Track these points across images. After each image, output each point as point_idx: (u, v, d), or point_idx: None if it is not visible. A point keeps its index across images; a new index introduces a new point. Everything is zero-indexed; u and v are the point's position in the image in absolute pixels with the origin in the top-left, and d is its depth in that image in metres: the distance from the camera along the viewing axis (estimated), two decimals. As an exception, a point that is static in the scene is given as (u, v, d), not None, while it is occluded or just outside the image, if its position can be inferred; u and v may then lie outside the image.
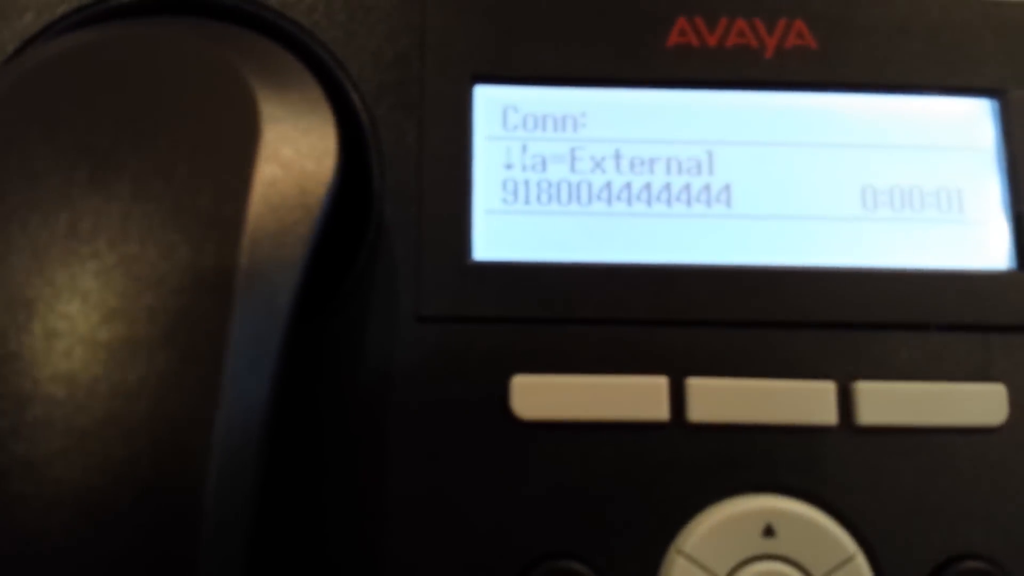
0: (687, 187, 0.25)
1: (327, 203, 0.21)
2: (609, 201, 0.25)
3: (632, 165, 0.25)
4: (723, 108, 0.25)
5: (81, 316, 0.17)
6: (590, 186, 0.25)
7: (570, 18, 0.25)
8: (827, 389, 0.23)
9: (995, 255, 0.25)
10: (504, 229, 0.24)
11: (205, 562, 0.17)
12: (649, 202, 0.25)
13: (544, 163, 0.25)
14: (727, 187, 0.25)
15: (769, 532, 0.22)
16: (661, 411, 0.23)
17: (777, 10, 0.25)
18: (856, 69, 0.26)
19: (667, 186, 0.25)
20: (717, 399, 0.23)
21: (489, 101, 0.25)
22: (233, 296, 0.18)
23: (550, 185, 0.25)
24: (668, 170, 0.25)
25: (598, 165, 0.25)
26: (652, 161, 0.25)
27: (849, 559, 0.23)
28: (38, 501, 0.17)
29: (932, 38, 0.26)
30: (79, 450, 0.17)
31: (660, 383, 0.23)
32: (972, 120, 0.26)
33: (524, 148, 0.25)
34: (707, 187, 0.25)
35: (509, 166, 0.25)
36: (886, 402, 0.23)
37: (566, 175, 0.25)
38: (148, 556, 0.17)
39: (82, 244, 0.18)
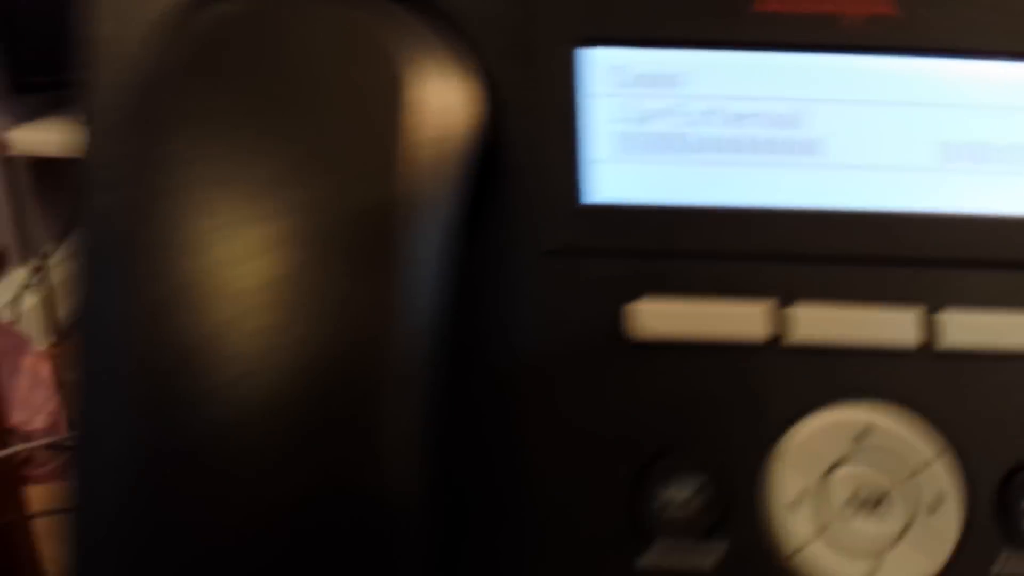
0: (781, 139, 0.27)
1: (469, 147, 0.24)
2: (711, 151, 0.27)
3: (730, 119, 0.27)
4: (810, 69, 0.28)
5: (267, 263, 0.20)
6: (692, 137, 0.27)
7: None
8: (915, 314, 0.26)
9: None
10: (617, 175, 0.27)
11: (392, 470, 0.20)
12: (748, 151, 0.27)
13: (648, 117, 0.27)
14: (818, 139, 0.27)
15: (859, 439, 0.25)
16: (765, 332, 0.26)
17: None
18: (934, 35, 0.27)
19: (763, 138, 0.27)
20: (816, 322, 0.26)
21: (596, 61, 0.28)
22: (400, 213, 0.21)
23: (655, 136, 0.27)
24: (763, 124, 0.27)
25: (699, 119, 0.28)
26: (748, 116, 0.27)
27: (928, 464, 0.25)
28: (240, 418, 0.19)
29: (1002, 5, 0.28)
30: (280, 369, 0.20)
31: (764, 307, 0.26)
32: None
33: (629, 104, 0.28)
34: (799, 139, 0.27)
35: (617, 120, 0.27)
36: (968, 327, 0.26)
37: (670, 128, 0.27)
38: (341, 474, 0.20)
39: (261, 193, 0.21)
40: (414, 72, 0.23)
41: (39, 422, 1.58)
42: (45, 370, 1.75)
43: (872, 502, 0.25)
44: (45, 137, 2.14)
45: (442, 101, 0.24)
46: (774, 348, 0.26)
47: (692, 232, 0.26)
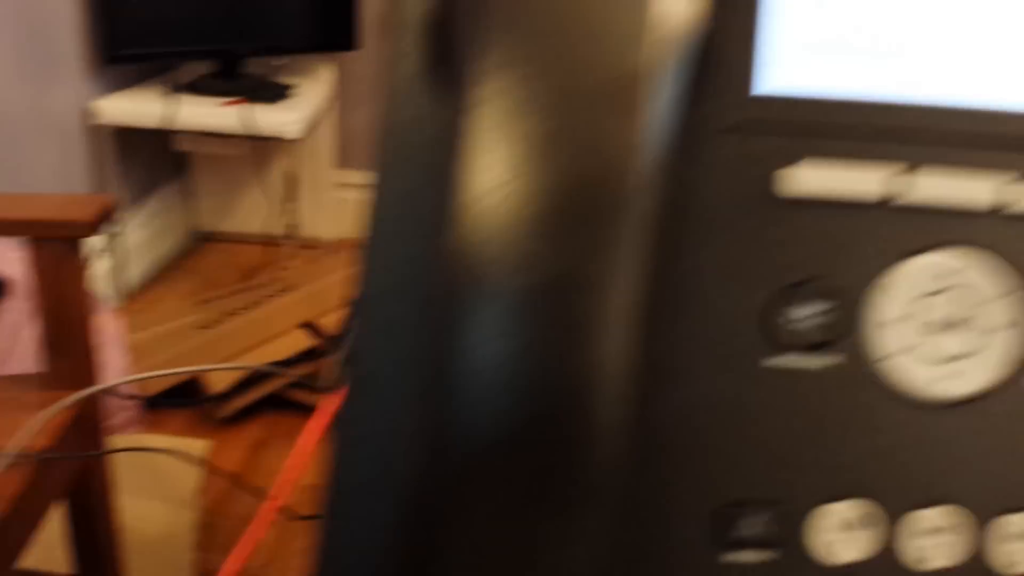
0: (911, 48, 0.33)
1: (690, 36, 0.31)
2: (869, 56, 0.33)
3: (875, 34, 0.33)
4: None
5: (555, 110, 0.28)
6: (847, 44, 0.33)
7: None
8: (1002, 181, 0.32)
9: None
10: (786, 65, 0.33)
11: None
12: (884, 56, 0.33)
13: (819, 21, 0.33)
14: (942, 52, 0.33)
15: (951, 275, 0.32)
16: (886, 191, 0.32)
17: None
18: None
19: (897, 45, 0.33)
20: (926, 186, 0.32)
21: None
22: (645, 84, 0.29)
23: (821, 39, 0.33)
24: (899, 38, 0.33)
25: (851, 31, 0.33)
26: (890, 31, 0.33)
27: (1004, 296, 0.32)
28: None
29: None
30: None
31: (887, 172, 0.32)
32: None
33: (797, 19, 0.33)
34: (929, 50, 0.33)
35: (788, 29, 0.33)
36: None
37: (826, 37, 0.33)
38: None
39: (556, 61, 0.28)
40: None
41: (110, 378, 1.65)
42: (116, 330, 1.83)
43: (955, 323, 0.32)
44: (129, 107, 2.24)
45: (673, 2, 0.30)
46: (891, 204, 0.32)
47: (835, 118, 0.33)
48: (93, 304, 1.80)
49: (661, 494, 0.32)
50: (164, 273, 2.54)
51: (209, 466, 1.60)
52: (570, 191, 0.27)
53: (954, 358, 0.32)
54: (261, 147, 2.45)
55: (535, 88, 0.28)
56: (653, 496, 0.32)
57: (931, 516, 0.32)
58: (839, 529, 0.32)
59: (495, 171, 0.28)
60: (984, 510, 0.32)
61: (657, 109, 0.29)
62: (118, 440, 1.58)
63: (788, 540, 0.32)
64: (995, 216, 0.32)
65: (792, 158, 0.32)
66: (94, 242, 2.23)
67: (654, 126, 0.29)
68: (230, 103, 2.18)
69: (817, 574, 0.32)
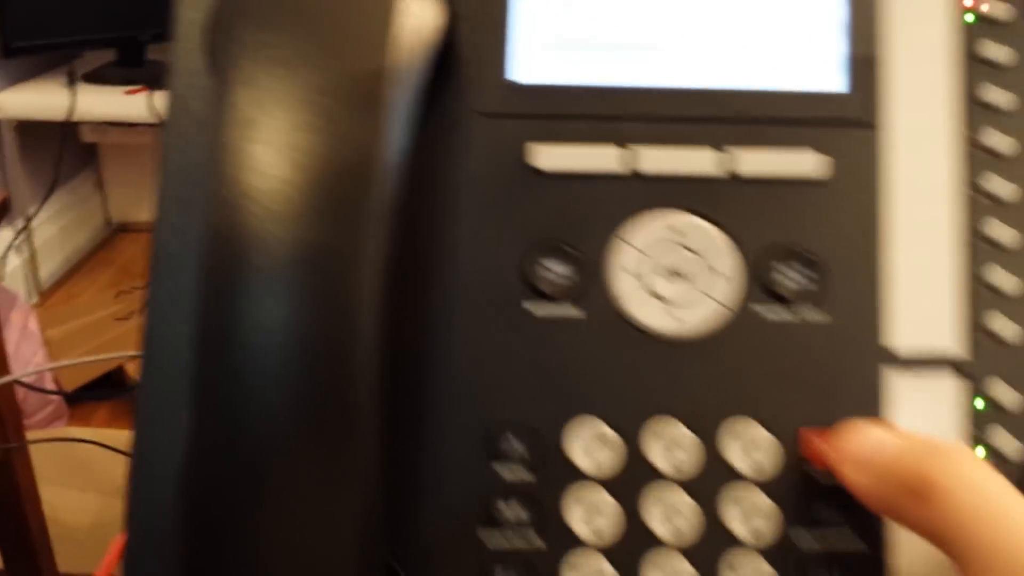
0: (637, 40, 0.39)
1: (435, 33, 0.36)
2: (596, 49, 0.39)
3: (605, 29, 0.39)
4: None
5: (303, 106, 0.32)
6: (587, 40, 0.39)
7: None
8: (719, 154, 0.38)
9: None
10: (532, 60, 0.39)
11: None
12: (614, 49, 0.39)
13: (554, 25, 0.39)
14: (664, 43, 0.39)
15: (676, 231, 0.38)
16: (623, 166, 0.38)
17: None
18: None
19: (625, 40, 0.39)
20: (656, 159, 0.38)
21: None
22: (390, 74, 0.33)
23: (560, 44, 0.39)
24: (625, 31, 0.39)
25: (591, 27, 0.39)
26: (615, 26, 0.39)
27: (720, 245, 0.38)
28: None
29: None
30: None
31: (622, 150, 0.38)
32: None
33: (543, 14, 0.39)
34: (651, 42, 0.39)
35: (535, 25, 0.39)
36: (753, 161, 0.38)
37: (570, 33, 0.39)
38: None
39: (304, 62, 0.33)
40: None
41: (28, 371, 1.64)
42: (32, 325, 1.82)
43: (679, 272, 0.37)
44: (31, 100, 2.20)
45: (418, 5, 0.35)
46: (626, 172, 0.38)
47: (578, 101, 0.38)
48: (4, 301, 1.78)
49: (439, 418, 0.37)
50: (80, 266, 2.52)
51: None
52: (322, 176, 0.32)
53: (681, 302, 0.37)
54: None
55: (289, 83, 0.32)
56: (432, 420, 0.37)
57: (662, 430, 0.37)
58: (586, 444, 0.37)
59: (256, 158, 0.32)
60: (707, 425, 0.37)
61: (402, 102, 0.34)
62: (41, 434, 1.57)
63: (545, 455, 0.37)
64: (712, 181, 0.38)
65: (540, 137, 0.38)
66: (3, 238, 2.20)
67: (399, 117, 0.34)
68: (134, 91, 2.16)
69: (570, 484, 0.37)
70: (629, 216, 0.37)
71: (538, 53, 0.39)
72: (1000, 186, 0.38)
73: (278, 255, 0.31)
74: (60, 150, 2.35)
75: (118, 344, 1.96)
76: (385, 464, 0.33)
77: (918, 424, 0.37)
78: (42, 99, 2.17)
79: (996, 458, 0.37)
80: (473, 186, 0.38)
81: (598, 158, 0.38)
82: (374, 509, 0.32)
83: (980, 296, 0.38)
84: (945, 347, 0.37)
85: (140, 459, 0.37)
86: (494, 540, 0.36)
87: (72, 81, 2.18)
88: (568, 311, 0.37)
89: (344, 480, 0.32)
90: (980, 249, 0.38)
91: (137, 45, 2.28)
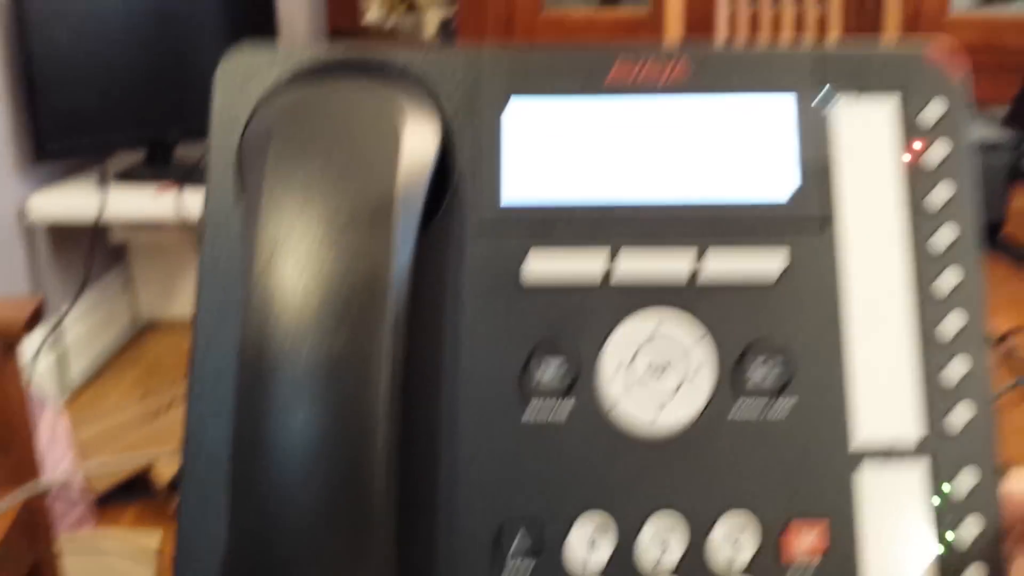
0: (616, 166, 0.43)
1: (433, 165, 0.40)
2: (577, 174, 0.43)
3: (585, 157, 0.43)
4: (638, 110, 0.43)
5: (323, 227, 0.36)
6: (568, 167, 0.43)
7: (558, 65, 0.43)
8: (687, 258, 0.41)
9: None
10: (522, 182, 0.42)
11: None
12: (595, 175, 0.43)
13: (540, 152, 0.43)
14: (632, 168, 0.43)
15: (654, 331, 0.41)
16: (600, 271, 0.41)
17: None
18: (706, 83, 0.43)
19: (607, 166, 0.43)
20: (630, 266, 0.41)
21: (515, 109, 0.43)
22: (397, 201, 0.37)
23: (547, 165, 0.43)
24: (605, 157, 0.43)
25: (569, 156, 0.43)
26: (594, 154, 0.43)
27: (694, 345, 0.41)
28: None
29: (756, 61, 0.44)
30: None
31: (601, 256, 0.41)
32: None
33: (529, 144, 0.43)
34: (624, 166, 0.43)
35: (523, 153, 0.43)
36: (722, 264, 0.41)
37: (553, 160, 0.43)
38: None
39: (325, 189, 0.37)
40: (406, 121, 0.40)
41: (57, 475, 1.64)
42: (61, 427, 1.82)
43: (661, 368, 0.40)
44: (62, 202, 2.24)
45: (421, 137, 0.40)
46: (606, 283, 0.41)
47: (563, 220, 0.42)
48: (35, 403, 1.79)
49: (449, 521, 0.40)
50: (108, 365, 2.53)
51: (164, 557, 1.59)
52: (341, 291, 0.35)
53: (663, 399, 0.40)
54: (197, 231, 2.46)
55: (309, 208, 0.36)
56: (442, 522, 0.40)
57: (657, 520, 0.39)
58: (585, 538, 0.39)
59: (282, 277, 0.35)
60: (698, 517, 0.39)
61: (408, 220, 0.38)
62: (70, 538, 1.56)
63: (548, 549, 0.39)
64: (685, 285, 0.41)
65: (530, 251, 0.41)
66: (33, 341, 2.21)
67: (406, 234, 0.37)
68: (163, 190, 2.19)
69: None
70: (614, 322, 0.41)
71: (527, 176, 0.42)
72: (945, 281, 0.41)
73: (305, 367, 0.34)
74: (91, 250, 2.38)
75: (145, 444, 1.96)
76: (399, 561, 0.36)
77: (887, 513, 0.40)
78: (73, 201, 2.20)
79: (960, 543, 0.39)
80: (471, 299, 0.41)
81: (584, 269, 0.41)
82: None
83: (935, 386, 0.41)
84: (907, 436, 0.40)
85: (183, 561, 0.39)
86: None
87: (103, 182, 2.21)
88: (563, 414, 0.40)
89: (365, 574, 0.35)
90: (932, 343, 0.41)
91: (166, 145, 2.32)
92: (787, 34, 1.77)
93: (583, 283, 0.41)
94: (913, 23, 2.21)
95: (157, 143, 2.32)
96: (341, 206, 0.36)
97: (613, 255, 0.41)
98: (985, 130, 1.01)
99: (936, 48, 0.44)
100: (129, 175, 2.28)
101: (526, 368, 0.40)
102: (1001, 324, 0.77)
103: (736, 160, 0.43)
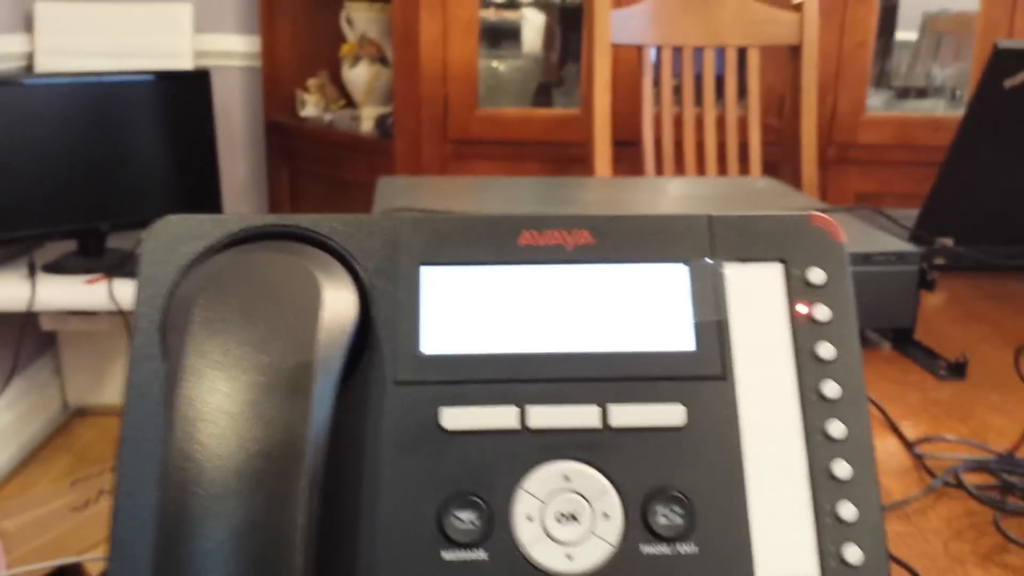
0: (524, 325, 0.46)
1: (352, 329, 0.42)
2: (491, 328, 0.46)
3: (493, 311, 0.46)
4: (546, 276, 0.47)
5: (243, 393, 0.37)
6: (480, 321, 0.46)
7: (467, 233, 0.47)
8: (595, 409, 0.44)
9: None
10: (439, 337, 0.45)
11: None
12: (507, 329, 0.46)
13: (453, 309, 0.46)
14: (541, 324, 0.46)
15: (566, 480, 0.43)
16: (515, 422, 0.44)
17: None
18: (608, 253, 0.47)
19: (516, 326, 0.46)
20: (542, 416, 0.44)
21: (430, 274, 0.46)
22: (315, 368, 0.38)
23: (459, 319, 0.45)
24: (514, 318, 0.46)
25: (480, 312, 0.46)
26: (502, 312, 0.47)
27: (603, 493, 0.43)
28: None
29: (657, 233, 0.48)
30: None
31: (515, 410, 0.44)
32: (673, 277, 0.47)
33: (443, 302, 0.46)
34: (532, 325, 0.46)
35: (437, 309, 0.45)
36: (626, 414, 0.44)
37: (466, 316, 0.46)
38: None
39: (245, 354, 0.38)
40: (326, 287, 0.41)
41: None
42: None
43: (571, 516, 0.42)
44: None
45: (341, 302, 0.42)
46: (521, 431, 0.44)
47: (478, 368, 0.45)
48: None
49: None
50: (36, 453, 2.49)
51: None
52: (258, 458, 0.36)
53: (573, 542, 0.42)
54: (129, 319, 2.45)
55: (228, 378, 0.37)
56: None
57: None
58: None
59: (199, 443, 0.36)
60: None
61: (326, 385, 0.39)
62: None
63: None
64: (594, 433, 0.44)
65: (448, 401, 0.44)
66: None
67: (324, 399, 0.39)
68: (94, 280, 2.19)
69: None
70: (527, 468, 0.43)
71: (443, 328, 0.45)
72: (835, 428, 0.45)
73: (219, 532, 0.35)
74: (19, 339, 2.36)
75: (74, 535, 1.94)
76: None
77: None
78: (2, 291, 2.19)
79: None
80: (391, 446, 0.43)
81: (497, 417, 0.44)
82: None
83: (828, 526, 0.43)
84: (804, 574, 0.43)
85: None
86: None
87: (32, 272, 2.21)
88: (479, 556, 0.42)
89: None
90: (824, 483, 0.44)
91: (97, 235, 2.33)
92: (710, 133, 1.83)
93: (499, 428, 0.44)
94: (830, 122, 2.30)
95: (88, 234, 2.32)
96: (260, 375, 0.37)
97: (527, 402, 0.44)
98: (894, 241, 1.06)
99: (818, 216, 0.48)
100: (59, 266, 2.28)
101: (443, 512, 0.42)
102: (914, 429, 0.81)
103: (638, 321, 0.46)
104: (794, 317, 0.46)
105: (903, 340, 1.00)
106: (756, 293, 0.47)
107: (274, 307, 0.39)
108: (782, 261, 0.47)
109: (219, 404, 0.36)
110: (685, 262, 0.47)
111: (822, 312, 0.46)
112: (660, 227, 0.48)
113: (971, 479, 0.71)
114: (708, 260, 0.47)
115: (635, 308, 0.46)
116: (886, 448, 0.78)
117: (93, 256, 2.30)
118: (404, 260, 0.46)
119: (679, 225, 0.48)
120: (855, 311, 0.47)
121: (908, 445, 0.78)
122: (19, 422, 2.44)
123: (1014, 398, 0.86)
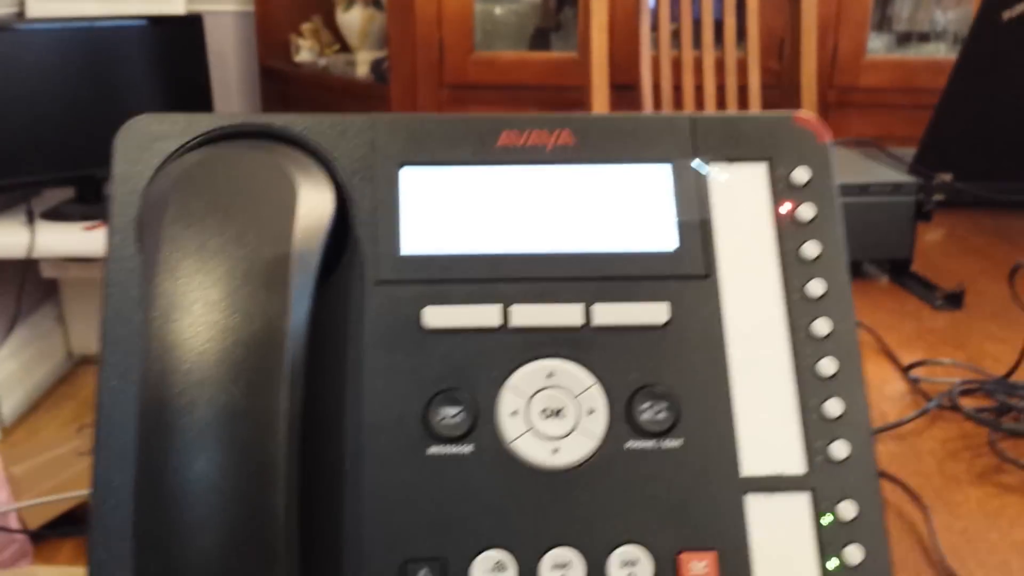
0: (507, 219, 0.46)
1: (329, 226, 0.42)
2: (470, 227, 0.46)
3: (479, 212, 0.46)
4: (526, 176, 0.47)
5: (219, 287, 0.37)
6: (460, 220, 0.46)
7: (446, 133, 0.47)
8: (579, 307, 0.44)
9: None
10: (419, 237, 0.45)
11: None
12: (488, 227, 0.46)
13: (432, 207, 0.46)
14: (524, 221, 0.46)
15: (549, 377, 0.43)
16: (498, 321, 0.44)
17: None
18: (590, 154, 0.47)
19: (498, 218, 0.46)
20: (525, 315, 0.44)
21: (409, 175, 0.46)
22: (292, 260, 0.38)
23: (439, 218, 0.45)
24: (496, 210, 0.46)
25: (463, 211, 0.46)
26: (487, 209, 0.46)
27: (587, 389, 0.43)
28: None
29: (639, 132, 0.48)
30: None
31: (497, 308, 0.44)
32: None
33: (422, 202, 0.46)
34: (514, 220, 0.46)
35: (412, 209, 0.45)
36: (610, 312, 0.44)
37: (446, 215, 0.46)
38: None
39: (219, 250, 0.38)
40: (301, 183, 0.41)
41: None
42: (-7, 464, 1.81)
43: (555, 412, 0.43)
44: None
45: (317, 199, 0.42)
46: (504, 329, 0.44)
47: (460, 268, 0.45)
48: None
49: (356, 558, 0.41)
50: (42, 401, 2.51)
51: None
52: (237, 348, 0.36)
53: (558, 437, 0.43)
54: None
55: (205, 270, 0.37)
56: (349, 560, 0.41)
57: (554, 556, 0.42)
58: (488, 574, 0.41)
59: (178, 335, 0.36)
60: (593, 552, 0.42)
61: (304, 279, 0.39)
62: (6, 574, 1.56)
63: None
64: (578, 332, 0.44)
65: (429, 300, 0.44)
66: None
67: (303, 292, 0.39)
68: (93, 227, 2.19)
69: None
70: (511, 365, 0.43)
71: (423, 229, 0.45)
72: (820, 325, 0.45)
73: (202, 420, 0.35)
74: (20, 286, 2.36)
75: (82, 479, 1.95)
76: None
77: (774, 543, 0.43)
78: (1, 238, 2.20)
79: (846, 567, 0.42)
80: (373, 345, 0.43)
81: (480, 315, 0.44)
82: None
83: (815, 423, 0.44)
84: (791, 470, 0.43)
85: None
86: None
87: (31, 219, 2.21)
88: (464, 449, 0.42)
89: None
90: (809, 380, 0.44)
91: (94, 182, 2.32)
92: (709, 76, 1.82)
93: (482, 327, 0.44)
94: (830, 66, 2.29)
95: (86, 180, 2.32)
96: (236, 265, 0.37)
97: (509, 300, 0.44)
98: (893, 172, 1.06)
99: (803, 115, 0.48)
100: (58, 213, 2.28)
101: (428, 408, 0.42)
102: (910, 356, 0.81)
103: (620, 221, 0.46)
104: (778, 217, 0.47)
105: (900, 272, 1.01)
106: (740, 193, 0.47)
107: (249, 201, 0.39)
108: (766, 161, 0.47)
109: (197, 295, 0.37)
110: (668, 161, 0.47)
111: (807, 211, 0.46)
112: (642, 127, 0.48)
113: (966, 403, 0.72)
114: (693, 161, 0.47)
115: (617, 208, 0.46)
116: (881, 373, 0.80)
117: (91, 203, 2.30)
118: (382, 160, 0.46)
119: (661, 125, 0.48)
120: (840, 210, 0.47)
121: (903, 369, 0.79)
122: (23, 370, 2.45)
123: (1011, 327, 0.87)
